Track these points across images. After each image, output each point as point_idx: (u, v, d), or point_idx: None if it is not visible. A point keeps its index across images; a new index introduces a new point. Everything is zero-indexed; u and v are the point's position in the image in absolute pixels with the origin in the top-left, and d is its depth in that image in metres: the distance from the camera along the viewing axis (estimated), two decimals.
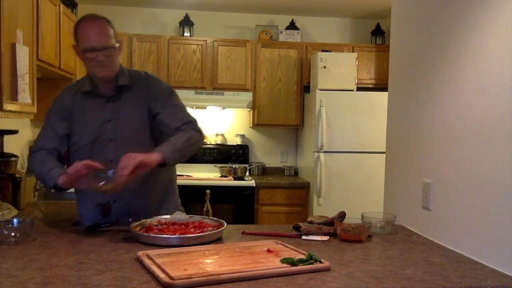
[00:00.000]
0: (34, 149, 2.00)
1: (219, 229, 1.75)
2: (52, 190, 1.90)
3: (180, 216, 1.89)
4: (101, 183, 1.74)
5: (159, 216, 1.91)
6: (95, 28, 1.87)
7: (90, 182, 1.74)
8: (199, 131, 1.95)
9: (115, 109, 1.96)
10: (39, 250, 1.56)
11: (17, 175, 2.46)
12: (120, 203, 1.97)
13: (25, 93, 2.42)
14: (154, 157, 1.74)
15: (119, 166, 1.67)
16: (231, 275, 1.29)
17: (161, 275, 1.27)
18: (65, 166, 1.95)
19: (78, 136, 1.96)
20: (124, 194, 1.87)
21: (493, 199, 1.57)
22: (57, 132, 1.97)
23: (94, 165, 1.71)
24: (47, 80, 3.42)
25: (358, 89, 4.37)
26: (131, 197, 1.96)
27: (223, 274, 1.29)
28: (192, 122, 1.95)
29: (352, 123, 4.17)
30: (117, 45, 1.92)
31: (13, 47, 2.29)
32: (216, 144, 4.77)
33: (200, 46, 4.46)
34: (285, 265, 1.39)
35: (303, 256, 1.46)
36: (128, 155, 1.68)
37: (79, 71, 3.80)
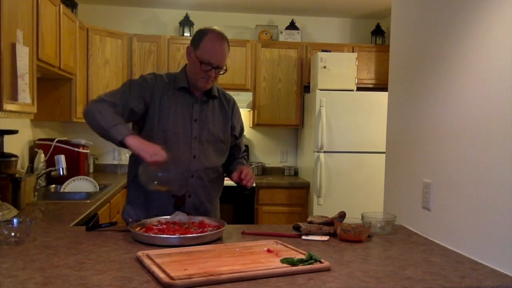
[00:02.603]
0: (97, 99, 1.97)
1: (219, 229, 1.75)
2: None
3: (180, 216, 1.89)
4: (155, 182, 1.84)
5: (159, 217, 1.91)
6: (221, 49, 1.99)
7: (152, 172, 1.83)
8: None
9: (202, 111, 2.07)
10: (39, 250, 1.56)
11: (17, 175, 2.45)
12: (193, 198, 2.04)
13: (25, 93, 2.42)
14: None
15: (244, 175, 1.99)
16: (231, 275, 1.29)
17: (161, 275, 1.27)
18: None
19: (163, 125, 2.00)
20: (199, 191, 2.04)
21: (493, 199, 1.57)
22: (129, 102, 1.96)
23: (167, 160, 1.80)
24: (47, 80, 3.43)
25: (358, 89, 4.37)
26: (204, 195, 2.07)
27: (223, 274, 1.29)
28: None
29: (352, 123, 4.17)
30: (226, 68, 2.06)
31: (13, 47, 2.29)
32: None
33: None
34: (285, 265, 1.39)
35: (303, 256, 1.46)
36: (249, 173, 2.01)
37: (79, 71, 3.80)
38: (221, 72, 2.02)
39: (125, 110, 1.95)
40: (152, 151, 1.77)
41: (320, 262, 1.43)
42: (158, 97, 2.01)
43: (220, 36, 2.00)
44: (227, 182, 2.17)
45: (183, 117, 2.03)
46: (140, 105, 1.98)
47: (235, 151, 2.22)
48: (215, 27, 2.05)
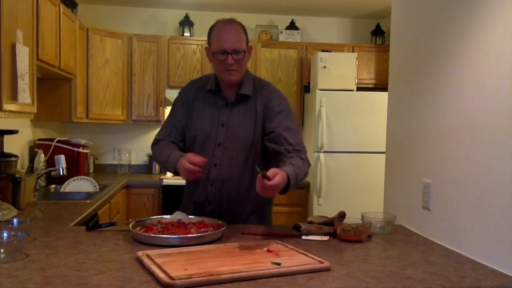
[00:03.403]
0: (154, 141, 2.05)
1: (219, 229, 1.75)
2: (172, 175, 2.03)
3: (180, 216, 1.89)
4: None
5: (159, 216, 1.91)
6: (231, 31, 1.87)
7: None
8: (309, 165, 1.92)
9: (231, 115, 1.96)
10: (39, 250, 1.56)
11: (17, 175, 2.45)
12: (213, 207, 1.99)
13: (25, 93, 2.42)
14: (285, 181, 1.64)
15: (270, 183, 1.55)
16: (231, 275, 1.29)
17: (161, 275, 1.27)
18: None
19: (193, 133, 1.99)
20: (217, 200, 1.97)
21: (493, 199, 1.57)
22: (178, 126, 2.02)
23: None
24: (47, 80, 3.43)
25: (358, 89, 4.37)
26: (226, 205, 1.99)
27: (223, 274, 1.29)
28: (305, 150, 1.92)
29: (352, 123, 4.17)
30: (247, 51, 1.92)
31: (13, 47, 2.29)
32: None
33: (200, 46, 4.46)
34: (285, 265, 1.39)
35: (303, 256, 1.46)
36: (273, 185, 1.55)
37: (79, 71, 3.80)
38: (241, 56, 1.87)
39: (178, 133, 2.01)
40: (190, 175, 1.79)
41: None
42: (192, 104, 2.01)
43: (227, 21, 1.91)
44: None
45: (210, 122, 1.96)
46: (184, 121, 2.01)
47: (279, 144, 1.88)
48: (228, 17, 1.95)
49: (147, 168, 4.68)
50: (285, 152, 1.85)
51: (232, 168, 1.95)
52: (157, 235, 1.66)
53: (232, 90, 1.98)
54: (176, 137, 2.01)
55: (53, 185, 3.49)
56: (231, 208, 2.00)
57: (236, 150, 1.95)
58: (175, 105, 2.07)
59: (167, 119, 2.09)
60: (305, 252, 1.53)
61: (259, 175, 1.53)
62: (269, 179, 1.54)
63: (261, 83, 2.04)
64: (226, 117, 1.96)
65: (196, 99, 2.00)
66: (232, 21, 1.91)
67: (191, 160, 1.77)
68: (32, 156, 3.54)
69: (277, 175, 1.57)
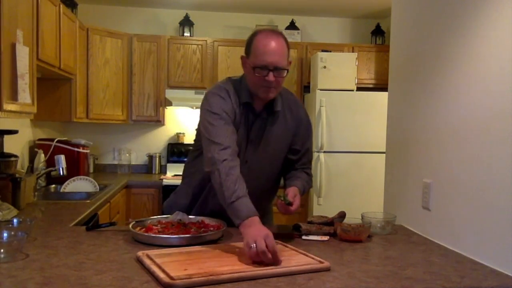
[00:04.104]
0: (218, 149, 1.67)
1: (219, 229, 1.75)
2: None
3: (180, 216, 1.89)
4: None
5: (159, 216, 1.91)
6: (275, 46, 1.70)
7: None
8: (312, 177, 2.04)
9: (260, 132, 1.85)
10: (39, 250, 1.56)
11: (17, 175, 2.45)
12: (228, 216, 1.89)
13: (25, 93, 2.42)
14: None
15: (293, 209, 1.74)
16: (231, 275, 1.29)
17: (161, 275, 1.27)
18: None
19: None
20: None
21: (493, 199, 1.57)
22: (234, 131, 1.76)
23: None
24: (47, 80, 3.42)
25: (358, 89, 4.37)
26: None
27: (223, 274, 1.29)
28: (311, 165, 2.05)
29: (352, 123, 4.17)
30: (288, 64, 1.77)
31: (13, 47, 2.29)
32: None
33: (200, 46, 4.46)
34: (285, 265, 1.39)
35: (303, 256, 1.46)
36: (297, 208, 1.75)
37: (79, 71, 3.80)
38: (283, 75, 1.73)
39: (235, 144, 1.72)
40: (258, 255, 1.41)
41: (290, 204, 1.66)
42: (234, 115, 1.79)
43: (271, 33, 1.74)
44: None
45: (240, 139, 1.80)
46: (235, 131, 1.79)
47: (296, 161, 1.95)
48: (271, 27, 1.85)
49: (147, 168, 4.68)
50: (297, 167, 1.98)
51: (255, 185, 1.77)
52: (157, 235, 1.66)
53: (262, 103, 1.84)
54: (236, 146, 1.72)
55: (53, 185, 3.49)
56: None
57: (262, 167, 1.89)
58: (222, 113, 1.76)
59: (222, 126, 1.73)
60: (305, 252, 1.53)
61: (281, 200, 1.74)
62: (291, 205, 1.74)
63: (288, 95, 1.95)
64: (254, 134, 1.85)
65: (236, 111, 1.81)
66: (277, 33, 1.75)
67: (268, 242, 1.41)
68: (32, 156, 3.54)
69: (296, 199, 1.76)
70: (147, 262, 1.38)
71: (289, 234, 1.83)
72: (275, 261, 1.39)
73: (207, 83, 4.46)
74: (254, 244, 1.39)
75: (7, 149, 2.61)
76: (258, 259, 1.39)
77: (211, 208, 1.95)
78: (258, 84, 1.74)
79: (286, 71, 1.74)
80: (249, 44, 1.78)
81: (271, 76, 1.70)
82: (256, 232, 1.44)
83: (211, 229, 1.76)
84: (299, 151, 1.96)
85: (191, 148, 2.11)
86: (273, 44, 1.71)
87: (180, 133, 4.73)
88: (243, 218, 1.53)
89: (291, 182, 1.88)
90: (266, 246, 1.39)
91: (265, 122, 1.86)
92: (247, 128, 1.83)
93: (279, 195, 1.76)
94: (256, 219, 1.53)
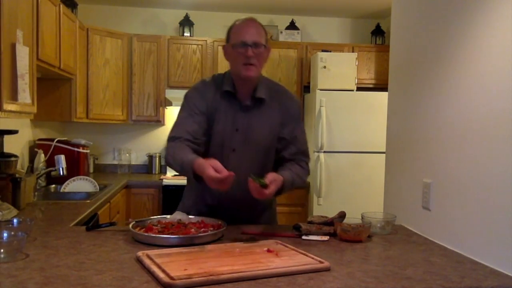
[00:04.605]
0: (168, 139, 1.91)
1: (219, 229, 1.75)
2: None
3: (180, 216, 1.89)
4: None
5: (159, 216, 1.91)
6: (250, 25, 1.88)
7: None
8: (309, 173, 1.99)
9: (246, 120, 1.91)
10: (39, 250, 1.56)
11: (17, 175, 2.45)
12: (227, 209, 1.97)
13: (25, 93, 2.42)
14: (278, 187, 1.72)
15: (265, 192, 1.64)
16: (231, 275, 1.29)
17: (161, 275, 1.27)
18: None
19: (208, 138, 1.91)
20: (231, 202, 1.94)
21: (493, 199, 1.57)
22: (195, 126, 1.88)
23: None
24: (47, 80, 3.42)
25: (358, 89, 4.37)
26: (238, 205, 1.96)
27: (223, 274, 1.29)
28: (308, 160, 1.99)
29: (352, 123, 4.17)
30: (267, 47, 1.90)
31: (13, 47, 2.29)
32: None
33: (200, 46, 4.46)
34: (285, 265, 1.39)
35: (303, 256, 1.46)
36: (269, 194, 1.65)
37: (79, 71, 3.80)
38: (261, 50, 1.85)
39: (196, 134, 1.86)
40: (214, 184, 1.61)
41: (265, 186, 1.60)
42: (210, 107, 1.90)
43: (247, 19, 1.91)
44: None
45: (225, 128, 1.90)
46: (204, 118, 1.89)
47: (285, 150, 1.96)
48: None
49: (147, 168, 4.68)
50: (288, 158, 1.94)
51: (246, 174, 1.77)
52: (157, 235, 1.66)
53: (247, 92, 1.92)
54: (194, 138, 1.86)
55: (53, 185, 3.49)
56: (245, 210, 2.00)
57: (251, 156, 1.92)
58: (190, 103, 1.93)
59: (182, 117, 1.92)
60: (305, 252, 1.53)
61: (254, 181, 1.63)
62: (266, 187, 1.64)
63: (276, 86, 2.03)
64: (241, 122, 1.91)
65: (214, 101, 1.91)
66: (253, 19, 1.93)
67: (216, 167, 1.60)
68: (32, 156, 3.54)
69: (273, 183, 1.67)
70: (147, 262, 1.38)
71: (289, 234, 1.83)
72: (228, 177, 1.57)
73: None
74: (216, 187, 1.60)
75: (7, 149, 2.61)
76: (225, 185, 1.60)
77: (209, 203, 1.99)
78: (239, 62, 1.85)
79: (263, 46, 1.87)
80: (228, 33, 1.92)
81: (250, 51, 1.82)
82: (205, 174, 1.61)
83: (211, 229, 1.76)
84: (285, 139, 1.95)
85: None
86: (249, 24, 1.88)
87: None
88: (192, 171, 1.69)
89: (278, 172, 1.80)
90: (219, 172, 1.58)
91: (251, 111, 1.92)
92: (232, 117, 1.91)
93: (252, 176, 1.65)
94: (197, 162, 1.67)
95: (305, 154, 1.99)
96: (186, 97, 1.97)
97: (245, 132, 1.91)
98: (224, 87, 1.91)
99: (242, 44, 1.82)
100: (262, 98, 1.92)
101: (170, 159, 1.84)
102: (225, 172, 1.58)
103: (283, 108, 1.96)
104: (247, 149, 1.92)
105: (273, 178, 1.68)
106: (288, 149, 1.95)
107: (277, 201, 2.21)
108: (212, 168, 1.60)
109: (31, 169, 3.37)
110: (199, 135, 1.87)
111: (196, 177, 1.71)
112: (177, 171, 1.84)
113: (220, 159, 1.75)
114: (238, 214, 2.00)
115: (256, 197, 1.66)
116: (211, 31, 4.73)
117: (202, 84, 1.98)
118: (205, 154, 1.86)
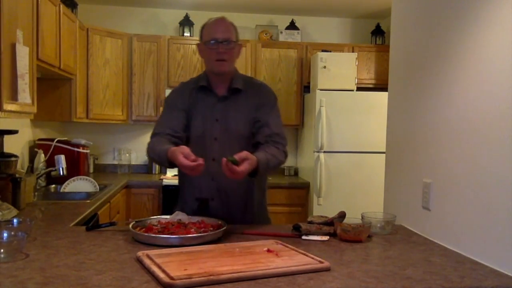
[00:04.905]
0: (151, 136, 2.04)
1: (219, 229, 1.75)
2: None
3: (180, 216, 1.89)
4: None
5: (159, 216, 1.91)
6: (221, 23, 2.00)
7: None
8: (286, 156, 2.02)
9: (224, 110, 2.02)
10: (39, 250, 1.56)
11: (17, 175, 2.45)
12: (217, 202, 2.02)
13: (25, 93, 2.42)
14: (252, 167, 1.75)
15: (237, 169, 1.67)
16: (231, 275, 1.29)
17: (161, 275, 1.27)
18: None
19: (188, 130, 2.03)
20: (222, 193, 2.00)
21: (493, 199, 1.57)
22: (174, 122, 2.02)
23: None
24: (47, 80, 3.43)
25: (358, 89, 4.37)
26: (229, 196, 2.02)
27: (223, 274, 1.29)
28: (285, 143, 2.03)
29: (352, 123, 4.17)
30: (238, 43, 2.02)
31: (13, 47, 2.29)
32: None
33: None
34: (285, 265, 1.39)
35: (303, 256, 1.46)
36: (241, 171, 1.68)
37: (79, 71, 3.80)
38: (232, 46, 1.97)
39: (176, 129, 1.99)
40: (186, 170, 1.73)
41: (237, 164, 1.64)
42: (188, 103, 2.04)
43: (218, 18, 2.03)
44: None
45: (205, 119, 2.02)
46: (183, 115, 2.02)
47: (259, 133, 2.00)
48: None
49: (147, 168, 4.68)
50: (263, 141, 1.97)
51: None
52: (157, 235, 1.66)
53: (223, 86, 2.04)
54: (174, 132, 1.99)
55: (53, 185, 3.49)
56: (235, 200, 2.03)
57: (232, 143, 1.99)
58: (169, 102, 2.09)
59: (163, 115, 2.09)
60: (305, 252, 1.53)
61: (226, 160, 1.66)
62: (238, 164, 1.68)
63: (252, 79, 2.17)
64: (219, 112, 2.02)
65: (191, 97, 2.05)
66: (224, 18, 2.03)
67: (185, 153, 1.72)
68: (32, 156, 3.54)
69: (245, 162, 1.70)
70: (147, 262, 1.38)
71: (289, 234, 1.83)
72: (198, 165, 1.68)
73: None
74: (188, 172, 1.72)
75: (7, 149, 2.61)
76: (195, 172, 1.71)
77: (198, 196, 2.04)
78: (211, 58, 1.97)
79: (234, 43, 1.98)
80: (201, 32, 2.04)
81: (221, 47, 1.94)
82: (177, 161, 1.72)
83: (211, 229, 1.76)
84: (259, 122, 2.01)
85: None
86: (219, 23, 2.00)
87: None
88: (167, 159, 1.80)
89: (254, 153, 1.82)
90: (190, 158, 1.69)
91: (228, 102, 2.03)
92: (211, 109, 2.02)
93: (226, 157, 1.69)
94: (171, 151, 1.77)
95: (280, 136, 2.01)
96: (166, 98, 2.15)
97: (225, 121, 2.01)
98: (200, 83, 2.05)
99: (213, 41, 1.95)
100: (238, 88, 2.03)
101: (150, 152, 1.97)
102: (193, 157, 1.70)
103: (258, 95, 2.07)
104: (228, 137, 2.00)
105: (244, 156, 1.71)
106: (262, 132, 1.99)
107: (267, 200, 2.24)
108: (182, 155, 1.71)
109: (31, 169, 3.37)
110: (179, 129, 2.00)
111: (171, 165, 1.83)
112: (156, 163, 1.99)
113: (204, 149, 1.96)
114: (229, 205, 2.02)
115: (229, 177, 1.69)
116: None
117: (180, 85, 2.16)
118: (190, 146, 1.90)
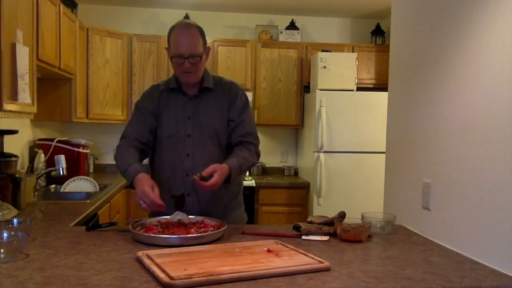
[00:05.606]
0: (120, 138, 2.09)
1: (219, 229, 1.75)
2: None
3: (180, 216, 1.89)
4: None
5: (159, 217, 1.91)
6: (185, 37, 1.98)
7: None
8: (258, 156, 2.10)
9: (196, 108, 2.06)
10: (39, 250, 1.56)
11: (17, 175, 2.45)
12: (193, 197, 2.03)
13: (25, 93, 2.42)
14: (225, 175, 1.86)
15: (208, 184, 1.79)
16: (231, 275, 1.29)
17: (161, 275, 1.27)
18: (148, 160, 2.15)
19: (159, 129, 2.07)
20: (197, 189, 1.97)
21: (493, 199, 1.57)
22: (145, 124, 2.06)
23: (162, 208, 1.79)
24: (47, 80, 3.42)
25: (358, 89, 4.37)
26: (206, 193, 2.01)
27: (223, 274, 1.29)
28: (257, 143, 2.10)
29: (352, 123, 4.17)
30: (204, 54, 2.02)
31: (13, 47, 2.29)
32: None
33: None
34: (285, 265, 1.39)
35: (303, 256, 1.46)
36: (213, 184, 1.80)
37: (79, 71, 3.80)
38: (198, 60, 1.97)
39: (143, 133, 2.05)
40: (142, 202, 1.78)
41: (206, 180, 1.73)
42: (158, 105, 2.08)
43: (184, 26, 2.02)
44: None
45: (177, 118, 2.05)
46: (151, 118, 2.07)
47: (231, 134, 2.07)
48: (185, 20, 2.05)
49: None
50: (237, 141, 2.05)
51: (203, 156, 2.02)
52: (157, 235, 1.66)
53: (194, 87, 2.07)
54: (141, 136, 2.05)
55: (53, 185, 3.49)
56: (210, 195, 2.02)
57: (205, 139, 2.04)
58: (138, 106, 2.12)
59: (130, 120, 2.13)
60: (305, 252, 1.53)
61: (196, 178, 1.79)
62: (207, 180, 1.79)
63: (223, 79, 2.18)
64: (191, 110, 2.06)
65: (161, 98, 2.09)
66: (189, 26, 2.03)
67: (147, 195, 1.76)
68: (32, 156, 3.54)
69: (215, 174, 1.81)
70: (147, 262, 1.38)
71: (289, 234, 1.83)
72: (159, 205, 1.75)
73: None
74: (142, 201, 1.77)
75: (7, 149, 2.61)
76: (151, 209, 1.79)
77: (174, 193, 2.03)
78: (178, 71, 2.02)
79: (200, 57, 1.98)
80: (168, 37, 2.05)
81: (186, 64, 1.96)
82: (140, 187, 1.80)
83: (211, 229, 1.76)
84: (233, 121, 2.06)
85: None
86: (184, 35, 1.99)
87: None
88: (132, 178, 1.87)
89: (224, 162, 1.93)
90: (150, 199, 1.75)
91: (199, 100, 2.07)
92: (183, 107, 2.06)
93: (196, 175, 1.80)
94: (142, 175, 1.85)
95: (253, 136, 2.10)
96: (136, 102, 2.18)
97: (197, 118, 2.05)
98: (170, 85, 2.09)
99: (178, 56, 1.96)
100: (209, 87, 2.07)
101: (118, 158, 2.00)
102: (149, 202, 1.76)
103: (229, 94, 2.10)
104: (201, 133, 2.04)
105: (212, 170, 1.81)
106: (236, 131, 2.06)
107: (243, 203, 2.25)
108: (151, 189, 1.78)
109: (31, 169, 3.37)
110: (146, 133, 2.05)
111: (131, 186, 1.89)
112: (118, 170, 1.99)
113: (177, 146, 2.03)
114: (205, 200, 2.03)
115: (204, 190, 1.83)
116: (211, 31, 4.72)
117: (150, 88, 2.18)
118: (164, 144, 2.05)
